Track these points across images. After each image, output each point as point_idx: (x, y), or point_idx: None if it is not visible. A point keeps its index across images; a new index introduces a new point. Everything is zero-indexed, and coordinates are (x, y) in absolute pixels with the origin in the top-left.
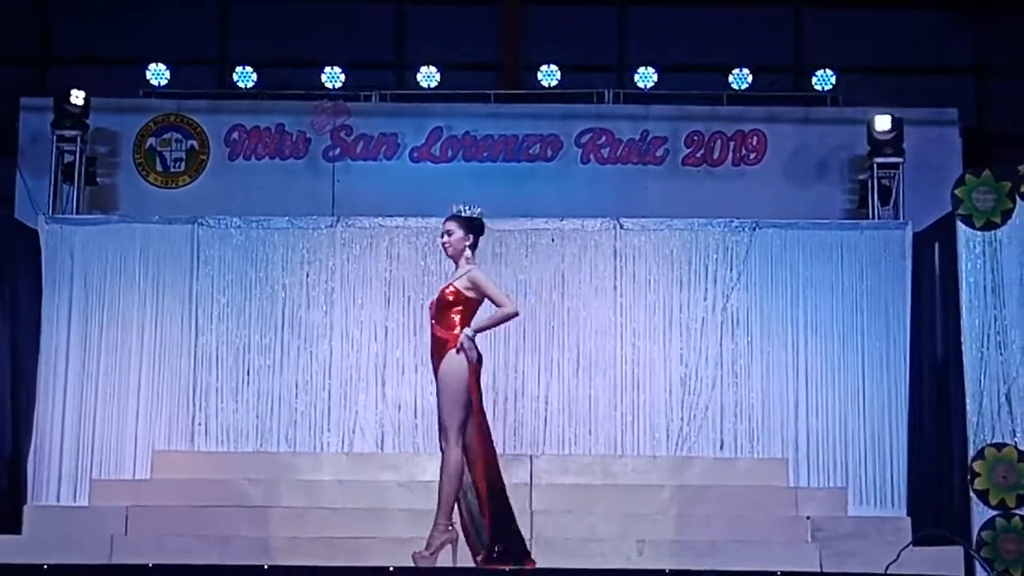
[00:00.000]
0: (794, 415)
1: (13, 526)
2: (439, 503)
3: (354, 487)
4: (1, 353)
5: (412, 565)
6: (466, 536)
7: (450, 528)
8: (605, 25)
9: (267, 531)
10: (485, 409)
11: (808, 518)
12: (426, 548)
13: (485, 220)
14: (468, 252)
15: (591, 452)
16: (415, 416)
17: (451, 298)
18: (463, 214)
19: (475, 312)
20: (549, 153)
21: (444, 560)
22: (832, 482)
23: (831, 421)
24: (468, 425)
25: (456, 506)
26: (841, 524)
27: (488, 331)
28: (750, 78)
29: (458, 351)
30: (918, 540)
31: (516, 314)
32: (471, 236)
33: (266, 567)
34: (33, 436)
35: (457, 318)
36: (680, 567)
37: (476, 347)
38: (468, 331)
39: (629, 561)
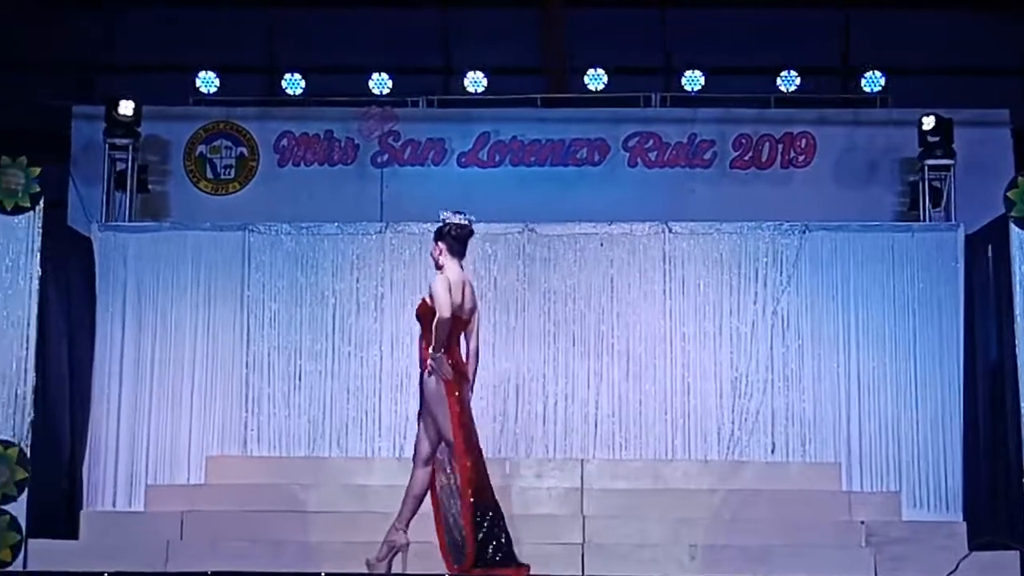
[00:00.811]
0: (846, 418)
1: (71, 531)
2: (400, 508)
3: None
4: (58, 359)
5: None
6: (440, 546)
7: (399, 531)
8: (651, 28)
9: (320, 536)
10: (472, 419)
11: (862, 522)
12: (377, 554)
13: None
14: (443, 260)
15: (642, 457)
16: None
17: (421, 311)
18: (441, 222)
19: (465, 322)
20: (596, 157)
21: (396, 567)
22: (886, 486)
23: (884, 424)
24: (440, 445)
25: (437, 517)
26: (895, 528)
27: (522, 336)
28: (798, 80)
29: (429, 374)
30: (976, 547)
31: (445, 319)
32: (440, 244)
33: (323, 575)
34: (88, 442)
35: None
36: (733, 572)
37: (447, 364)
38: (434, 353)
39: (682, 567)
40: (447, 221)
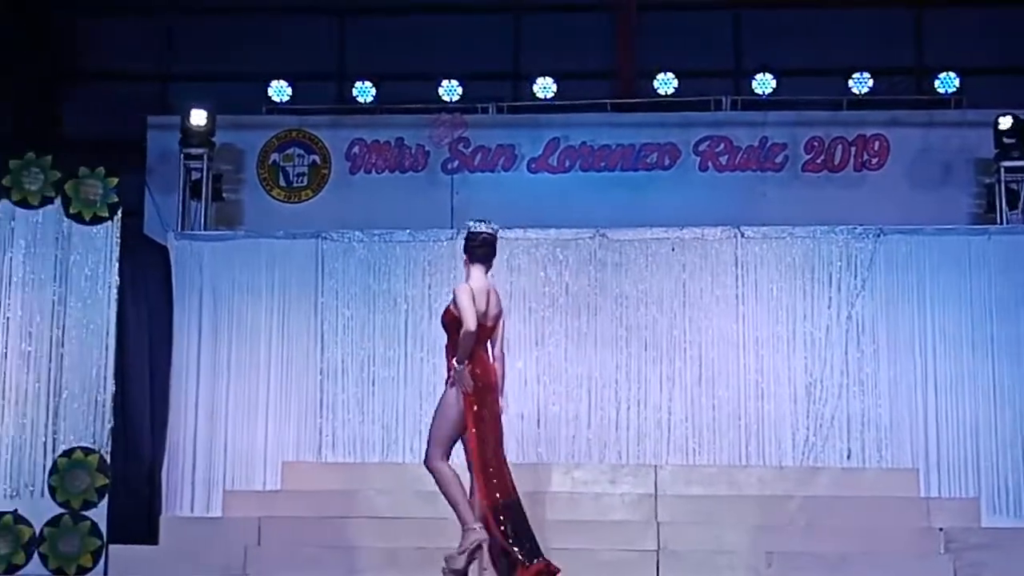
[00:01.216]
0: (924, 423)
1: (150, 537)
2: (456, 513)
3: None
4: (137, 367)
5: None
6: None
7: (476, 529)
8: (722, 31)
9: (394, 542)
10: (495, 430)
11: (940, 529)
12: (458, 550)
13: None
14: (468, 268)
15: (716, 462)
16: (538, 426)
17: (446, 319)
18: (466, 231)
19: (490, 329)
20: (667, 161)
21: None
22: (965, 492)
23: (962, 429)
24: (455, 442)
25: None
26: (974, 535)
27: (594, 341)
28: (871, 82)
29: (451, 384)
30: None
31: (471, 332)
32: (466, 253)
33: None
34: (167, 448)
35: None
36: None
37: (468, 375)
38: (457, 363)
39: (758, 573)
40: (471, 230)
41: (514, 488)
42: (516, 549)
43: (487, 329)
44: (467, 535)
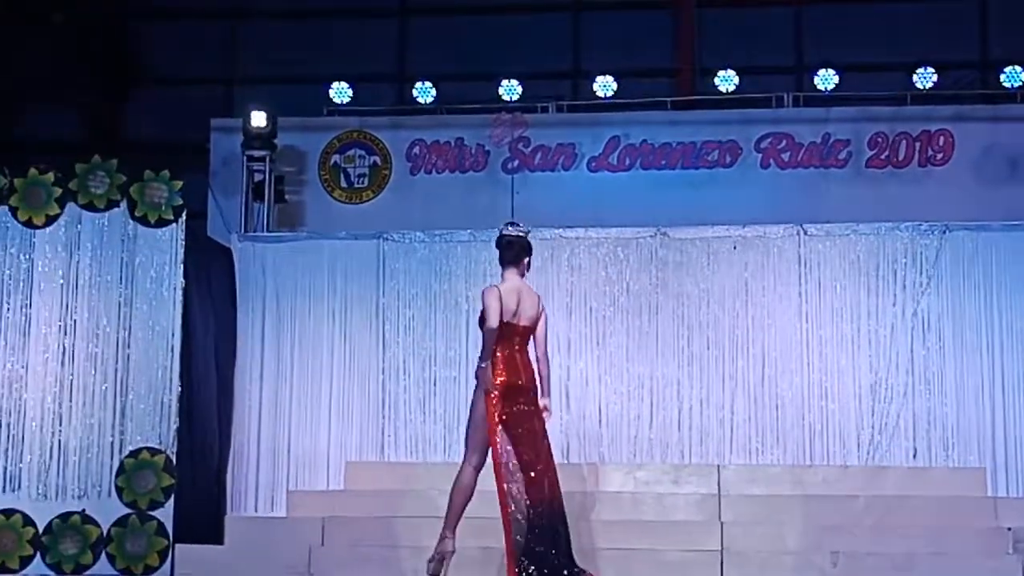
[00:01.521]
0: (991, 422)
1: (216, 537)
2: (446, 513)
3: None
4: (202, 368)
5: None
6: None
7: (446, 539)
8: (782, 27)
9: (457, 541)
10: (524, 430)
11: (1009, 529)
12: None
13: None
14: (503, 270)
15: (780, 462)
16: (599, 426)
17: (479, 321)
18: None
19: (524, 329)
20: (728, 159)
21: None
22: None
23: None
24: (487, 444)
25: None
26: None
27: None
28: (935, 76)
29: (477, 384)
30: None
31: (492, 329)
32: (499, 255)
33: None
34: (232, 448)
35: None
36: None
37: (490, 374)
38: (480, 362)
39: (823, 574)
40: (500, 232)
41: (550, 496)
42: (517, 571)
43: (518, 329)
44: (440, 542)
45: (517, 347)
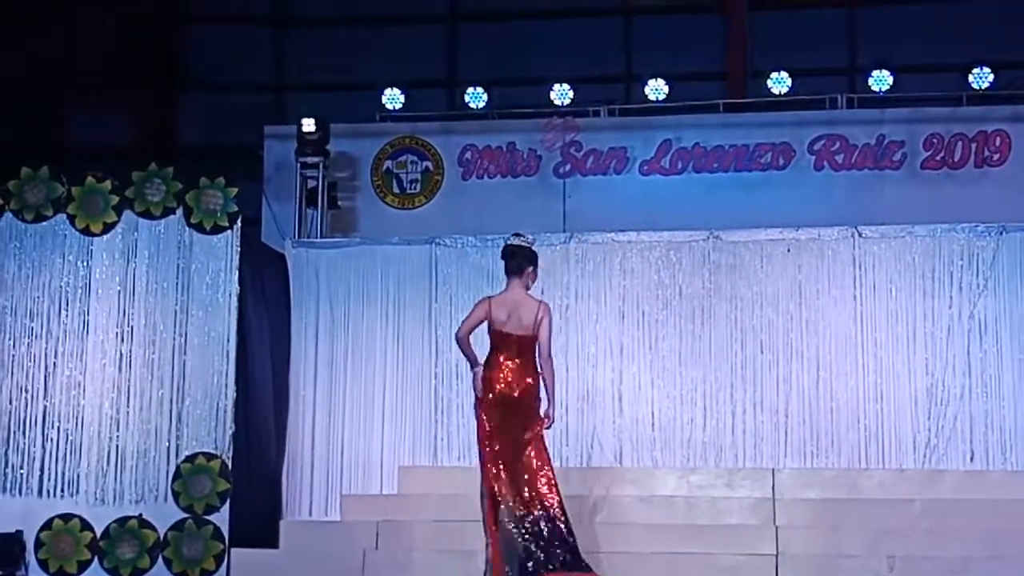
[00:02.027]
0: None
1: (271, 540)
2: (482, 519)
3: (594, 502)
4: (257, 373)
5: None
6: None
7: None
8: (835, 28)
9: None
10: (507, 435)
11: None
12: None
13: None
14: (507, 279)
15: (835, 466)
16: (652, 430)
17: None
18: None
19: (519, 338)
20: (781, 161)
21: None
22: None
23: None
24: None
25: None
26: None
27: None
28: (991, 77)
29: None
30: None
31: (457, 338)
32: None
33: None
34: (286, 452)
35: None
36: None
37: (479, 380)
38: (474, 369)
39: None
40: (506, 242)
41: (538, 499)
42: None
43: (512, 338)
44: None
45: (511, 356)
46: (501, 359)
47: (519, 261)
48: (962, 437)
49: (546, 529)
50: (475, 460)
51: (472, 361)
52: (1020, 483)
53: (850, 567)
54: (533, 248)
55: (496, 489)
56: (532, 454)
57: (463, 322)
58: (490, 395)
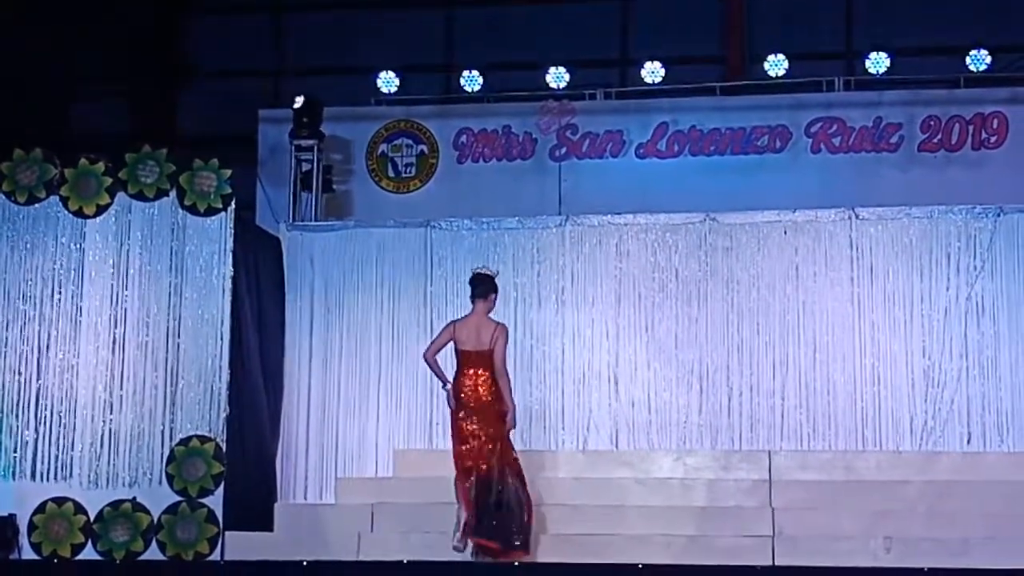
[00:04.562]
0: None
1: (266, 523)
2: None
3: (591, 484)
4: (251, 356)
5: (658, 563)
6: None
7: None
8: (833, 10)
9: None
10: (473, 443)
11: None
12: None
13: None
14: (472, 303)
15: (831, 448)
16: (648, 413)
17: None
18: None
19: (477, 355)
20: (778, 144)
21: None
22: None
23: None
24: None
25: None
26: None
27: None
28: (988, 59)
29: None
30: None
31: (424, 357)
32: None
33: (516, 563)
34: (281, 436)
35: None
36: (932, 565)
37: (450, 395)
38: (445, 387)
39: (876, 559)
40: (474, 271)
41: (497, 489)
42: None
43: (471, 356)
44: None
45: (470, 371)
46: (467, 373)
47: (484, 288)
48: (959, 419)
49: (504, 508)
50: None
51: (442, 379)
52: (1017, 465)
53: (846, 548)
54: (495, 279)
55: (468, 474)
56: (499, 449)
57: (430, 344)
58: (460, 404)
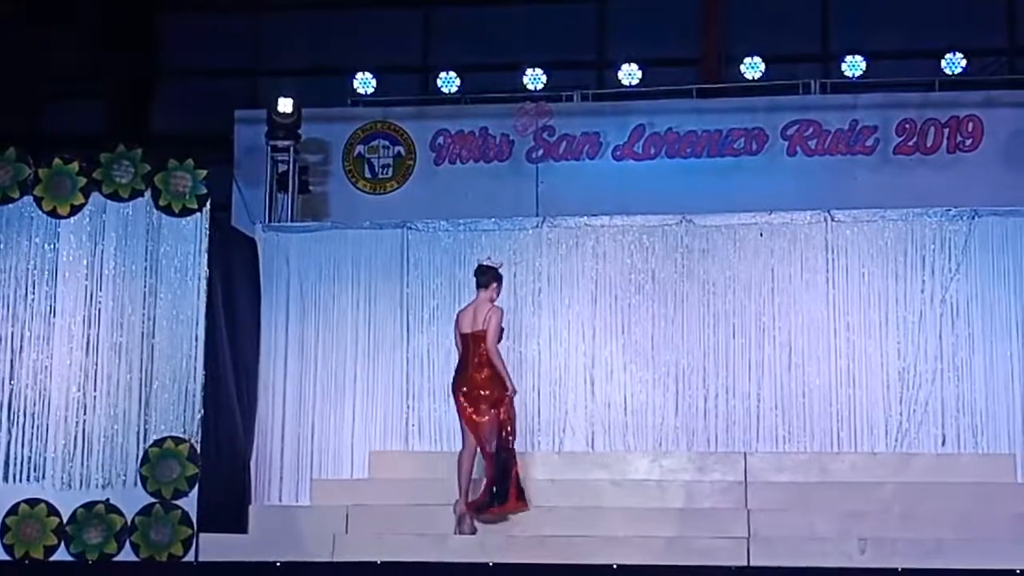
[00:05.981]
0: (1020, 408)
1: (240, 525)
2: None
3: (567, 486)
4: (226, 357)
5: (632, 563)
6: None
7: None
8: (809, 13)
9: (480, 528)
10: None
11: None
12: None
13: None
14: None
15: (807, 449)
16: (625, 414)
17: None
18: None
19: (473, 340)
20: (754, 147)
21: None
22: None
23: None
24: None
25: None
26: None
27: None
28: (964, 62)
29: None
30: None
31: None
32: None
33: (491, 564)
34: (255, 437)
35: None
36: (906, 566)
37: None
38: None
39: (851, 560)
40: (479, 262)
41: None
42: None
43: (469, 338)
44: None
45: (469, 354)
46: (463, 358)
47: (486, 278)
48: (934, 420)
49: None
50: (445, 445)
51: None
52: (991, 466)
53: (821, 550)
54: (499, 270)
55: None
56: (490, 425)
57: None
58: (457, 385)
